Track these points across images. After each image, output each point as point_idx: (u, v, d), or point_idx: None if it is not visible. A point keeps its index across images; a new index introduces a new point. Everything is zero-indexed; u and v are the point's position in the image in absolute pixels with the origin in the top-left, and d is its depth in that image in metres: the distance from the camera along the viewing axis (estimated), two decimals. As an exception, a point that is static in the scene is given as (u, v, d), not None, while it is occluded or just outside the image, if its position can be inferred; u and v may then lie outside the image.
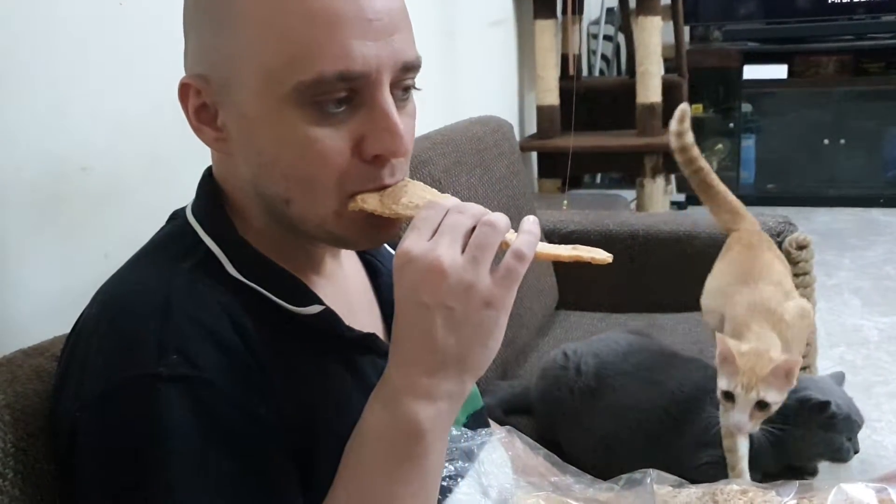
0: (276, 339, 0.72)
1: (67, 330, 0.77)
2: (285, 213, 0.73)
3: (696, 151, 1.60)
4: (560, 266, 2.16)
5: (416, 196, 0.73)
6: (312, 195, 0.71)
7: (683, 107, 1.62)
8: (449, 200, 0.70)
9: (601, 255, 0.71)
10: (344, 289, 0.84)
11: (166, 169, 1.17)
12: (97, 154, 1.08)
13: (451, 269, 0.65)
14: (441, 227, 0.67)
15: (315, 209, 0.72)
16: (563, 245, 0.73)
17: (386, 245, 0.91)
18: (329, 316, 0.76)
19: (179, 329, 0.67)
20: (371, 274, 0.90)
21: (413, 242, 0.66)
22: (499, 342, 0.69)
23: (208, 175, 0.80)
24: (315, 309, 0.75)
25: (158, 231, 0.81)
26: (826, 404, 1.26)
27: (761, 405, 1.18)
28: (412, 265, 0.66)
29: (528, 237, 0.68)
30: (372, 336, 0.80)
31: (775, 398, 1.18)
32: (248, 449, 0.67)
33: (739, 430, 1.20)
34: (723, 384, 1.21)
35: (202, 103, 0.72)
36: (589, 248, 0.71)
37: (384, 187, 0.73)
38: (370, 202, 0.72)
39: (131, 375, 0.66)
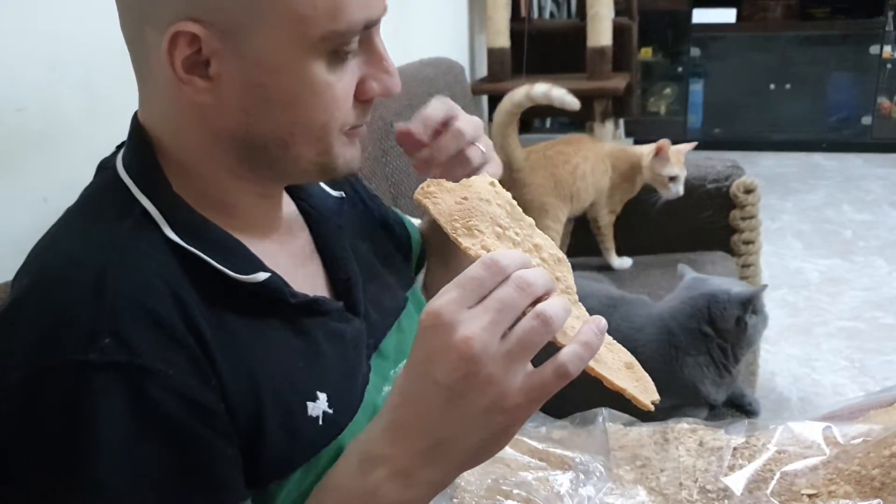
0: (218, 309, 0.68)
1: (6, 276, 0.74)
2: (279, 156, 0.71)
3: None
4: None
5: (487, 229, 0.66)
6: (316, 136, 0.70)
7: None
8: (515, 258, 0.60)
9: (644, 400, 0.63)
10: (286, 244, 0.80)
11: (106, 108, 1.13)
12: (33, 94, 1.04)
13: (480, 358, 0.56)
14: (490, 298, 0.58)
15: (315, 149, 0.71)
16: (615, 357, 0.65)
17: (321, 183, 0.88)
18: (274, 283, 0.71)
19: (114, 309, 0.61)
20: (307, 221, 0.85)
21: (449, 307, 0.58)
22: (502, 447, 0.62)
23: (137, 123, 0.74)
24: (260, 276, 0.70)
25: (89, 185, 0.76)
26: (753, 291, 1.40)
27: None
28: (438, 333, 0.57)
29: (582, 351, 0.59)
30: (318, 299, 0.76)
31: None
32: (185, 439, 0.62)
33: (680, 194, 1.99)
34: (670, 171, 1.96)
35: (195, 51, 0.65)
36: (643, 375, 0.64)
37: (358, 127, 0.74)
38: (441, 202, 0.66)
39: (59, 361, 0.60)
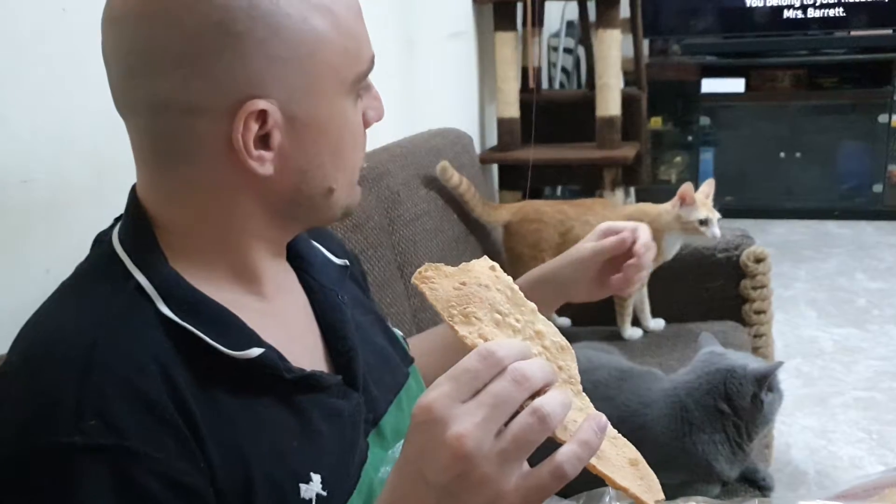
0: (211, 387, 0.66)
1: (4, 348, 0.73)
2: (321, 204, 0.74)
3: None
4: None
5: (486, 316, 0.63)
6: (350, 178, 0.75)
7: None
8: (512, 349, 0.57)
9: (648, 500, 0.60)
10: (284, 318, 0.78)
11: (110, 181, 1.14)
12: (39, 166, 1.04)
13: (474, 457, 0.54)
14: (484, 392, 0.55)
15: (347, 190, 0.75)
16: (619, 452, 0.62)
17: (320, 247, 0.88)
18: (268, 359, 0.69)
19: (101, 389, 0.60)
20: (307, 291, 0.83)
21: (442, 401, 0.55)
22: None
23: (135, 197, 0.73)
24: (254, 352, 0.68)
25: (84, 260, 0.75)
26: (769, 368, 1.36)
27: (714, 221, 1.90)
28: (430, 430, 0.55)
29: (580, 451, 0.56)
30: (314, 375, 0.74)
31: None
32: None
33: (717, 237, 1.90)
34: (697, 214, 1.88)
35: (260, 126, 0.66)
36: (648, 473, 0.61)
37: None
38: (439, 287, 0.64)
39: (44, 443, 0.59)
